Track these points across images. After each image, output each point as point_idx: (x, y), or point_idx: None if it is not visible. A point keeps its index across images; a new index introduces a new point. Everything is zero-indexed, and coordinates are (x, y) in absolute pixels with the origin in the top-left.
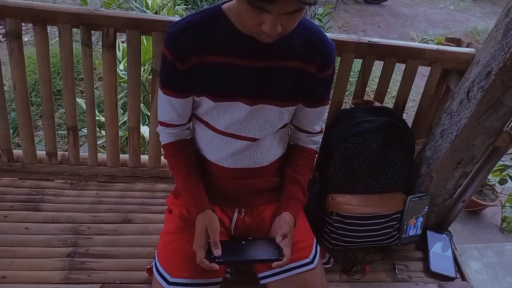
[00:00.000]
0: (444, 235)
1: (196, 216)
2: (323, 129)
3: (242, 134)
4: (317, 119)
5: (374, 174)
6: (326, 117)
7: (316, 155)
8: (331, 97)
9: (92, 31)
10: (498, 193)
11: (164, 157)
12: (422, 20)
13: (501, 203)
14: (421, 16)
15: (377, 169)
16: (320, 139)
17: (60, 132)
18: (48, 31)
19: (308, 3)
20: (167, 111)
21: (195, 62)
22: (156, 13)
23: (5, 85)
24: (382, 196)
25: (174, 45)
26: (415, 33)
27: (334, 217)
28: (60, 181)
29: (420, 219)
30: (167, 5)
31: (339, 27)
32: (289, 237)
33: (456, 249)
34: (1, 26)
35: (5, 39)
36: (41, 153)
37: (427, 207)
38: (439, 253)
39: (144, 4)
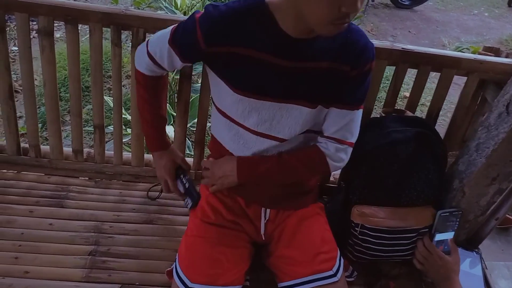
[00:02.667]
0: (474, 252)
1: (158, 150)
2: (344, 143)
3: (272, 134)
4: (337, 122)
5: (403, 186)
6: (353, 128)
7: (321, 162)
8: None
9: (122, 31)
10: None
11: (136, 79)
12: (454, 26)
13: None
14: (454, 22)
15: (407, 181)
16: (332, 151)
17: (86, 128)
18: (78, 28)
19: None
20: (160, 52)
21: (224, 51)
22: (185, 13)
23: (35, 79)
24: (411, 209)
25: (207, 28)
26: (447, 39)
27: (360, 229)
28: (84, 178)
29: (450, 235)
30: (195, 5)
31: (368, 31)
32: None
33: (486, 268)
34: (34, 22)
35: (37, 35)
36: (67, 149)
37: (458, 223)
38: (468, 271)
39: (173, 4)
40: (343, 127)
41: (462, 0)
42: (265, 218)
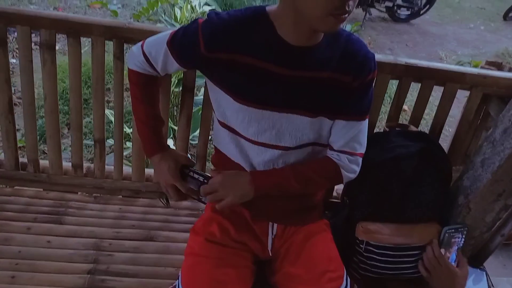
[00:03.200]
0: (479, 269)
1: (156, 153)
2: (355, 155)
3: (273, 143)
4: (345, 134)
5: (407, 202)
6: (362, 139)
7: (336, 172)
8: None
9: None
10: None
11: (128, 79)
12: (451, 39)
13: None
14: (450, 36)
15: (411, 196)
16: (346, 162)
17: (85, 141)
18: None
19: None
20: (156, 52)
21: (224, 58)
22: None
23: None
24: (416, 225)
25: (209, 34)
26: (444, 52)
27: (365, 246)
28: (84, 194)
29: (456, 251)
30: (195, 18)
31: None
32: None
33: (492, 285)
34: (34, 34)
35: (37, 47)
36: (66, 164)
37: (463, 239)
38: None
39: (173, 17)
40: (351, 139)
41: (458, 13)
42: (272, 234)
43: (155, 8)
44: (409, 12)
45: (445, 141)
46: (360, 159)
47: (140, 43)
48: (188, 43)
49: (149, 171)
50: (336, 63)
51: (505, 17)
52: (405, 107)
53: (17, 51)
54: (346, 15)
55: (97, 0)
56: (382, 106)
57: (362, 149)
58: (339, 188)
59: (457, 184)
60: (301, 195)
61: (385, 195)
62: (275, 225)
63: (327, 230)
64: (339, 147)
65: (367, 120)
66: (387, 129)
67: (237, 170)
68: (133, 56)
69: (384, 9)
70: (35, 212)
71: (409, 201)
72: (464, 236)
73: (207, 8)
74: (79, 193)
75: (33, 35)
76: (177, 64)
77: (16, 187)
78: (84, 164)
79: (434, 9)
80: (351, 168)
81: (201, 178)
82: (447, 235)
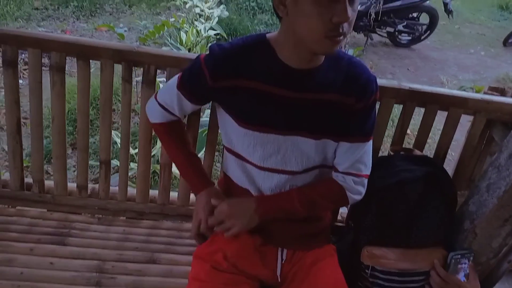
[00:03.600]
0: None
1: (203, 189)
2: (360, 176)
3: (279, 167)
4: (350, 156)
5: (413, 226)
6: (367, 160)
7: (341, 194)
8: None
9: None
10: None
11: (155, 133)
12: (452, 64)
13: None
14: (451, 61)
15: (417, 221)
16: (351, 184)
17: (90, 162)
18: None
19: None
20: (170, 99)
21: (229, 85)
22: (189, 49)
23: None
24: (421, 250)
25: (213, 66)
26: (445, 77)
27: (370, 271)
28: (88, 215)
29: (462, 278)
30: (200, 42)
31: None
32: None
33: None
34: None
35: (46, 68)
36: (71, 185)
37: (468, 265)
38: None
39: (178, 41)
40: (356, 161)
41: (459, 39)
42: (282, 259)
43: (161, 32)
44: (410, 38)
45: (449, 165)
46: (365, 180)
47: (153, 97)
48: (196, 80)
49: (153, 192)
50: (338, 85)
51: (505, 43)
52: (407, 130)
53: (25, 72)
54: (341, 37)
55: (104, 23)
56: (386, 130)
57: (367, 170)
58: (343, 212)
59: (462, 209)
60: (310, 220)
61: (390, 220)
62: (285, 250)
63: (334, 255)
64: (344, 169)
65: (371, 141)
66: (392, 153)
67: (241, 197)
68: (151, 110)
69: (385, 34)
70: (39, 233)
71: (414, 226)
72: (470, 262)
73: (212, 33)
74: (83, 214)
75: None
76: (190, 104)
77: (19, 208)
78: (88, 185)
79: (434, 34)
80: (357, 190)
81: None
82: (453, 260)
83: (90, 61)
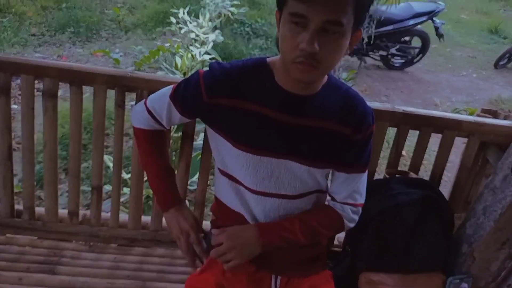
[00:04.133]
0: None
1: (172, 206)
2: (357, 206)
3: (273, 191)
4: (347, 186)
5: (410, 251)
6: (362, 190)
7: (340, 222)
8: None
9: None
10: None
11: (135, 139)
12: (444, 86)
13: None
14: (444, 83)
15: (414, 245)
16: (349, 213)
17: (82, 187)
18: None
19: (344, 25)
20: (159, 107)
21: (225, 104)
22: (184, 74)
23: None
24: (419, 275)
25: (210, 82)
26: (439, 99)
27: None
28: (78, 242)
29: None
30: (195, 66)
31: (362, 91)
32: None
33: None
34: (36, 81)
35: (39, 92)
36: (62, 211)
37: None
38: None
39: (174, 65)
40: (353, 191)
41: (450, 62)
42: (276, 287)
43: (156, 57)
44: (403, 61)
45: (445, 187)
46: (360, 209)
47: (143, 101)
48: (190, 93)
49: (145, 219)
50: (335, 114)
51: (496, 65)
52: (403, 152)
53: (19, 97)
54: (309, 67)
55: (100, 49)
56: (381, 151)
57: (362, 200)
58: (340, 236)
59: (459, 232)
60: (306, 245)
61: (387, 244)
62: (279, 277)
63: (330, 281)
64: (341, 199)
65: (366, 172)
66: (387, 176)
67: (241, 225)
68: (137, 114)
69: (378, 58)
70: (28, 262)
71: (412, 250)
72: (469, 287)
73: (207, 57)
74: (73, 241)
75: (35, 81)
76: (180, 115)
77: (9, 235)
78: (80, 212)
79: (426, 57)
80: (353, 218)
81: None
82: (452, 285)
83: (85, 86)
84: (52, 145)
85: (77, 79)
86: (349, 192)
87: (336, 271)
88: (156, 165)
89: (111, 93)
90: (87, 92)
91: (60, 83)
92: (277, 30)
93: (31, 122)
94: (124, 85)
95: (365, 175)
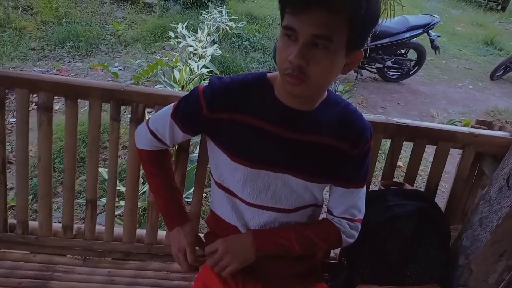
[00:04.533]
0: None
1: (179, 225)
2: (355, 221)
3: (269, 205)
4: (345, 201)
5: (407, 263)
6: (361, 205)
7: (337, 236)
8: None
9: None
10: None
11: (140, 160)
12: (441, 98)
13: None
14: (440, 95)
15: (411, 257)
16: (347, 228)
17: (78, 200)
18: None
19: (334, 39)
20: (162, 127)
21: (225, 117)
22: (182, 87)
23: (30, 150)
24: None
25: (211, 96)
26: (435, 110)
27: None
28: (72, 256)
29: None
30: (193, 79)
31: (359, 103)
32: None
33: None
34: (32, 96)
35: (36, 109)
36: (56, 225)
37: None
38: None
39: (172, 79)
40: (351, 206)
41: (446, 74)
42: None
43: (154, 70)
44: (399, 73)
45: (441, 198)
46: (359, 225)
47: (145, 122)
48: (191, 110)
49: (140, 232)
50: (333, 129)
51: (492, 76)
52: (400, 163)
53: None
54: (299, 78)
55: (99, 63)
56: (377, 162)
57: (361, 215)
58: (336, 249)
59: (456, 244)
60: (301, 258)
61: (384, 256)
62: None
63: None
64: (339, 214)
65: (365, 187)
66: (383, 188)
67: (236, 234)
68: (140, 136)
69: (375, 70)
70: (20, 277)
71: (408, 262)
72: None
73: (205, 70)
74: (67, 255)
75: (32, 95)
76: (182, 133)
77: (1, 250)
78: (74, 225)
79: (423, 70)
80: (352, 234)
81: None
82: None
83: (83, 100)
84: (46, 158)
85: (72, 92)
86: (346, 207)
87: (333, 284)
88: (161, 186)
89: (108, 107)
90: (86, 105)
91: (56, 97)
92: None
93: (25, 135)
94: (119, 98)
95: (363, 190)
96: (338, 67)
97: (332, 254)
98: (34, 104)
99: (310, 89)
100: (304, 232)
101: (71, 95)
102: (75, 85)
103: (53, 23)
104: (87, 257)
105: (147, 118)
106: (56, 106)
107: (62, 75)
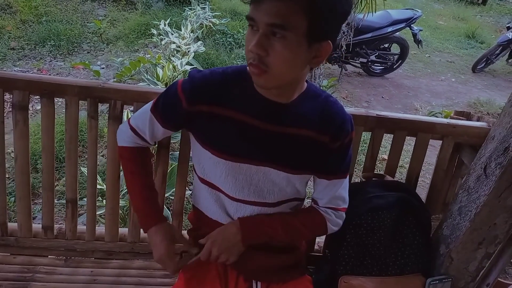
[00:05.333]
0: None
1: (153, 225)
2: (339, 210)
3: (252, 199)
4: (328, 192)
5: (389, 254)
6: (344, 195)
7: (322, 225)
8: None
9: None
10: None
11: (120, 158)
12: (424, 91)
13: None
14: (424, 88)
15: (393, 248)
16: (332, 216)
17: (62, 201)
18: (60, 101)
19: (291, 27)
20: (142, 123)
21: (205, 110)
22: (166, 84)
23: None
24: (400, 278)
25: (190, 88)
26: (419, 103)
27: None
28: (53, 257)
29: None
30: (177, 76)
31: (344, 98)
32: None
33: None
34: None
35: (11, 109)
36: (36, 226)
37: None
38: None
39: (155, 76)
40: (335, 197)
41: (429, 67)
42: None
43: (137, 68)
44: (382, 67)
45: (426, 189)
46: (343, 214)
47: (127, 120)
48: (170, 104)
49: (123, 231)
50: (313, 122)
51: (474, 69)
52: (384, 156)
53: None
54: (260, 69)
55: (81, 61)
56: (359, 155)
57: (345, 204)
58: (320, 241)
59: (437, 233)
60: (285, 250)
61: (366, 247)
62: (259, 283)
63: (310, 287)
64: (324, 204)
65: (348, 177)
66: (364, 180)
67: (223, 225)
68: (122, 133)
69: (359, 65)
70: (0, 279)
71: (390, 253)
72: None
73: (188, 67)
74: (48, 256)
75: (9, 96)
76: (162, 128)
77: None
78: (55, 226)
79: (406, 63)
80: (337, 222)
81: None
82: (431, 287)
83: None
84: (23, 158)
85: (48, 91)
86: (330, 198)
87: (317, 276)
88: (140, 184)
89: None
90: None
91: (32, 95)
92: None
93: (1, 136)
94: (96, 96)
95: (346, 180)
96: (301, 58)
97: (316, 247)
98: (9, 107)
99: (273, 79)
100: (290, 221)
101: (46, 93)
102: (51, 83)
103: (33, 22)
104: (69, 257)
105: (125, 115)
106: (38, 106)
107: (43, 75)
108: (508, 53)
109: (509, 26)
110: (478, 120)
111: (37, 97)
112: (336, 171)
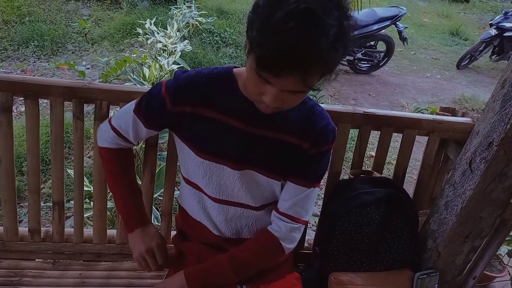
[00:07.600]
0: None
1: (138, 227)
2: (298, 222)
3: (234, 200)
4: (294, 196)
5: (378, 249)
6: (308, 206)
7: (276, 247)
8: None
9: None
10: (506, 264)
11: (101, 159)
12: (410, 88)
13: (509, 274)
14: (409, 85)
15: (381, 243)
16: (286, 231)
17: (49, 204)
18: (45, 102)
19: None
20: (125, 124)
21: (189, 111)
22: (152, 84)
23: None
24: (388, 273)
25: (174, 89)
26: (405, 100)
27: None
28: (41, 260)
29: None
30: (164, 76)
31: (331, 96)
32: None
33: None
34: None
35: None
36: (23, 229)
37: (436, 285)
38: None
39: (142, 76)
40: (298, 203)
41: (415, 64)
42: None
43: (123, 68)
44: (369, 65)
45: (413, 185)
46: (302, 227)
47: (107, 120)
48: (154, 105)
49: (111, 232)
50: (296, 128)
51: (458, 66)
52: (372, 153)
53: None
54: (274, 110)
55: (66, 62)
56: (349, 152)
57: (306, 217)
58: (310, 238)
59: (425, 228)
60: None
61: (355, 243)
62: (244, 286)
63: (298, 284)
64: (284, 209)
65: (317, 189)
66: (352, 176)
67: (170, 277)
68: (103, 133)
69: (345, 63)
70: None
71: (379, 248)
72: (437, 282)
73: (175, 67)
74: (36, 259)
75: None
76: (145, 128)
77: None
78: (42, 228)
79: (392, 61)
80: (292, 237)
81: None
82: (419, 281)
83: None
84: (8, 161)
85: (32, 91)
86: (292, 203)
87: (307, 273)
88: (121, 186)
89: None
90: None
91: (16, 97)
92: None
93: None
94: (81, 96)
95: (315, 191)
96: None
97: (306, 244)
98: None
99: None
100: (240, 256)
101: (30, 94)
102: (35, 83)
103: (16, 23)
104: (57, 260)
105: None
106: (23, 108)
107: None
108: (491, 49)
109: (491, 23)
110: (463, 116)
111: (22, 98)
112: (307, 176)
